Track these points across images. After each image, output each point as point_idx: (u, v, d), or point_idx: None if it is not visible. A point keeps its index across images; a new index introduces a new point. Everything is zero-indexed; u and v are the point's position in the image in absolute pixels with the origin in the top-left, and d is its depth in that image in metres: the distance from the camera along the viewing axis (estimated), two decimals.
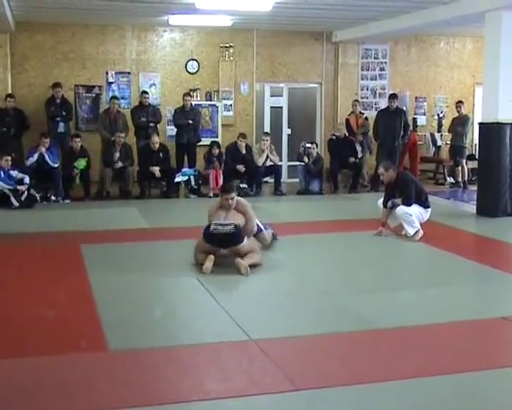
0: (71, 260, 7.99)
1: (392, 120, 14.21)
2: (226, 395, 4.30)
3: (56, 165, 12.71)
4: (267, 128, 15.91)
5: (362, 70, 16.49)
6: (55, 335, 5.44)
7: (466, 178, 15.07)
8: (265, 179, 14.65)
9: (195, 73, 15.46)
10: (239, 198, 7.92)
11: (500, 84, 10.86)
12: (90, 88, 14.91)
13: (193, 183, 13.45)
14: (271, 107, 16.38)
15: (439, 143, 16.59)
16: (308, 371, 4.73)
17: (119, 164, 13.00)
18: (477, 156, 12.89)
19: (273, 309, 6.23)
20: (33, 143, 12.92)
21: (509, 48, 10.80)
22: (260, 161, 13.84)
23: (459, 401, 4.33)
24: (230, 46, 15.54)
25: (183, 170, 13.70)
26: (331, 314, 6.06)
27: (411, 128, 15.37)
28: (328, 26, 15.35)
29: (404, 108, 15.41)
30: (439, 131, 16.77)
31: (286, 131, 16.40)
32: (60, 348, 5.13)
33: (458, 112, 15.20)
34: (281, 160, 15.30)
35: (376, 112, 15.26)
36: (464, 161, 15.14)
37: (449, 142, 15.84)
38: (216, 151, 13.71)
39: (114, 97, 14.23)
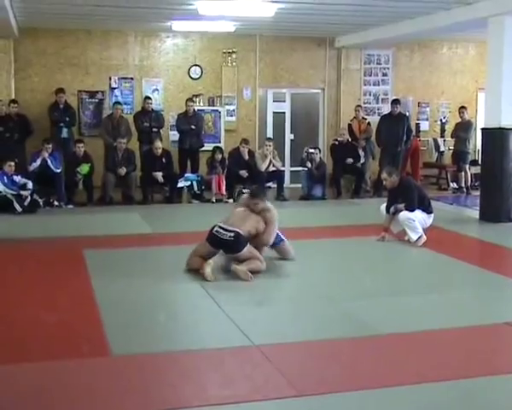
0: (74, 266, 8.00)
1: (395, 126, 14.21)
2: (229, 400, 4.29)
3: (59, 170, 12.72)
4: (270, 133, 15.93)
5: (364, 75, 16.50)
6: (58, 340, 5.44)
7: (469, 184, 15.06)
8: (268, 185, 14.63)
9: (198, 78, 15.48)
10: (269, 207, 7.84)
11: (503, 89, 10.86)
12: (93, 93, 14.94)
13: (196, 188, 13.46)
14: (274, 112, 16.40)
15: (442, 148, 16.59)
16: (311, 377, 4.72)
17: (124, 170, 13.00)
18: (480, 162, 12.89)
19: (276, 314, 6.22)
20: (36, 148, 12.94)
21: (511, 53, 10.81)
22: (263, 167, 13.84)
23: (462, 407, 4.32)
24: (233, 52, 15.57)
25: (186, 175, 13.72)
26: (334, 320, 6.05)
27: (414, 133, 15.37)
28: (330, 32, 15.37)
29: (407, 114, 15.41)
30: (441, 136, 16.77)
31: (289, 136, 16.41)
32: (62, 353, 5.13)
33: (461, 117, 15.19)
34: (283, 165, 15.31)
35: (379, 117, 15.26)
36: (467, 166, 15.12)
37: (452, 147, 15.84)
38: (219, 156, 13.72)
39: (117, 103, 14.26)
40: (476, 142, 15.92)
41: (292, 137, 16.42)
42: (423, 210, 9.26)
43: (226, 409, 4.20)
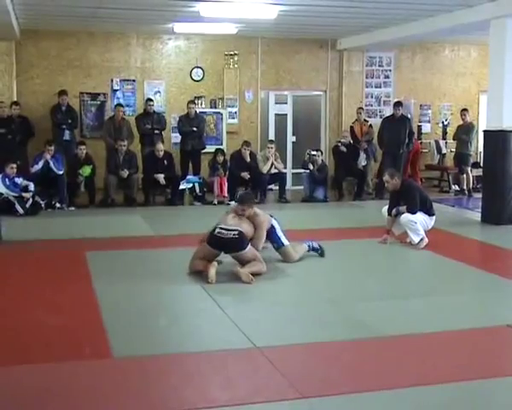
0: (76, 268, 8.00)
1: (397, 128, 14.20)
2: (231, 403, 4.29)
3: (61, 172, 12.73)
4: (272, 136, 15.93)
5: (366, 78, 16.49)
6: (60, 342, 5.44)
7: (471, 186, 15.05)
8: (270, 187, 14.66)
9: (200, 80, 15.48)
10: (258, 212, 7.87)
11: (505, 91, 10.87)
12: (95, 95, 14.94)
13: (197, 190, 13.46)
14: (276, 114, 16.39)
15: (444, 150, 16.58)
16: (313, 379, 4.72)
17: (126, 172, 13.01)
18: (482, 164, 12.88)
19: (278, 317, 6.22)
20: (38, 150, 12.95)
21: None
22: (265, 169, 13.84)
23: (464, 409, 4.33)
24: (235, 54, 15.57)
25: (188, 177, 13.72)
26: (336, 322, 6.05)
27: (416, 136, 15.36)
28: (332, 34, 15.37)
29: (409, 116, 15.40)
30: (443, 138, 16.76)
31: (290, 138, 16.41)
32: (64, 355, 5.13)
33: (463, 119, 15.18)
34: (285, 167, 15.32)
35: (381, 119, 15.27)
36: (469, 168, 15.11)
37: (454, 149, 15.82)
38: (220, 158, 13.73)
39: (119, 105, 14.27)
40: (478, 144, 15.94)
41: (294, 139, 16.42)
42: (425, 212, 9.26)
43: None
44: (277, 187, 14.37)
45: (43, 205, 12.23)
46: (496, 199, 11.08)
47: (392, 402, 4.36)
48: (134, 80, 15.15)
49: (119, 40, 14.99)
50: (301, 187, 14.53)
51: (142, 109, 14.54)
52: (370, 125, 15.32)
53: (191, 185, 13.53)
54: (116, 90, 15.04)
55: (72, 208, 12.60)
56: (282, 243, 8.10)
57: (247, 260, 7.43)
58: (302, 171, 14.37)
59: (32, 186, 12.01)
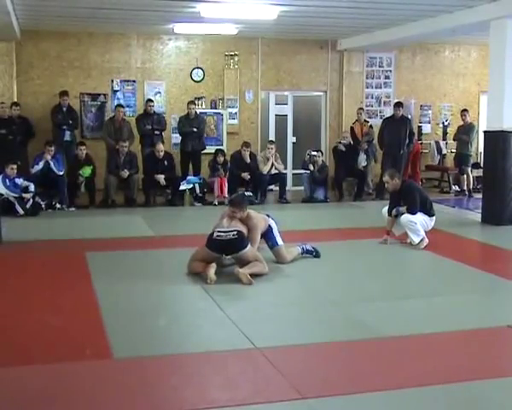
0: (76, 268, 8.00)
1: (398, 129, 14.20)
2: (231, 403, 4.29)
3: (61, 173, 12.73)
4: (272, 136, 15.93)
5: (367, 78, 16.50)
6: (60, 342, 5.44)
7: (471, 187, 15.05)
8: (270, 187, 14.67)
9: (200, 81, 15.49)
10: (252, 215, 7.87)
11: (505, 92, 10.87)
12: (95, 96, 14.95)
13: (198, 191, 13.46)
14: (276, 115, 16.40)
15: (444, 151, 16.59)
16: (313, 380, 4.72)
17: (126, 173, 13.01)
18: (482, 164, 12.87)
19: (278, 317, 6.21)
20: (38, 151, 12.94)
21: None
22: (265, 169, 13.84)
23: None
24: (235, 54, 15.58)
25: (188, 178, 13.72)
26: (336, 322, 6.05)
27: (416, 136, 15.36)
28: (332, 35, 15.38)
29: (410, 117, 15.41)
30: (444, 139, 16.77)
31: (291, 139, 16.41)
32: (64, 356, 5.13)
33: (463, 120, 15.18)
34: (285, 168, 15.33)
35: (381, 120, 15.27)
36: (469, 169, 15.11)
37: (454, 150, 15.83)
38: (221, 159, 13.73)
39: (119, 105, 14.26)
40: (478, 144, 15.95)
41: (294, 139, 16.42)
42: (425, 213, 9.27)
43: None
44: (277, 188, 14.37)
45: (43, 206, 12.24)
46: (496, 200, 11.08)
47: (393, 403, 4.35)
48: (134, 81, 15.15)
49: (120, 41, 14.99)
50: (301, 187, 14.53)
51: (142, 110, 14.54)
52: (371, 126, 15.32)
53: (191, 186, 13.52)
54: (116, 91, 15.04)
55: (73, 209, 12.60)
56: (277, 243, 8.12)
57: (248, 260, 7.43)
58: (302, 171, 14.37)
59: (32, 187, 12.00)
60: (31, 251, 9.01)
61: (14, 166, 11.93)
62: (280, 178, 14.18)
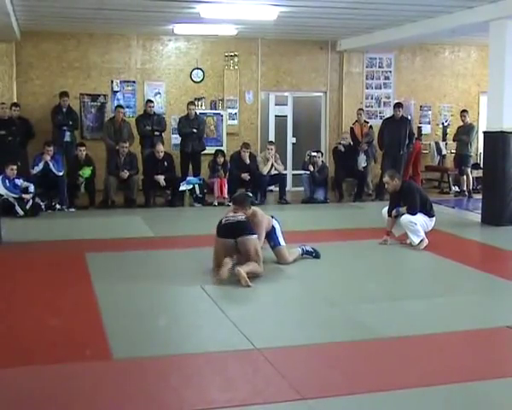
0: (76, 269, 8.00)
1: (398, 129, 14.20)
2: (230, 404, 4.29)
3: (61, 173, 12.73)
4: (272, 137, 15.93)
5: (366, 79, 16.49)
6: (60, 343, 5.44)
7: (471, 187, 15.05)
8: (270, 188, 14.67)
9: (200, 81, 15.49)
10: (257, 212, 7.94)
11: (505, 92, 10.87)
12: (95, 97, 14.95)
13: (198, 191, 13.46)
14: (276, 116, 16.41)
15: (444, 151, 16.59)
16: (313, 381, 4.72)
17: (126, 174, 13.00)
18: (482, 165, 12.85)
19: (278, 318, 6.21)
20: (38, 151, 12.94)
21: None
22: (265, 170, 13.84)
23: None
24: (235, 55, 15.58)
25: (188, 178, 13.71)
26: (336, 323, 6.05)
27: (416, 136, 15.35)
28: (332, 35, 15.38)
29: (409, 117, 15.41)
30: (443, 139, 16.77)
31: (291, 139, 16.42)
32: (64, 357, 5.13)
33: (463, 121, 15.18)
34: (285, 168, 15.33)
35: (381, 121, 15.27)
36: (469, 169, 15.11)
37: (454, 150, 15.83)
38: (221, 160, 13.72)
39: (119, 106, 14.26)
40: (478, 145, 15.94)
41: (294, 140, 16.42)
42: (425, 213, 9.26)
43: None
44: (277, 188, 14.37)
45: (43, 206, 12.23)
46: (496, 200, 11.08)
47: (393, 403, 4.35)
48: (134, 82, 15.16)
49: (119, 41, 15.00)
50: (301, 188, 14.53)
51: (142, 111, 14.54)
52: (370, 127, 15.31)
53: (191, 187, 13.51)
54: (116, 92, 15.04)
55: (73, 210, 12.59)
56: (279, 243, 8.14)
57: (250, 252, 7.41)
58: (302, 172, 14.36)
59: (32, 187, 12.00)
60: (30, 252, 9.02)
61: (14, 167, 11.93)
62: (280, 179, 14.18)
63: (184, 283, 7.33)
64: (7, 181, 11.75)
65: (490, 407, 4.38)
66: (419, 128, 16.46)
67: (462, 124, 15.28)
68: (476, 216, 11.91)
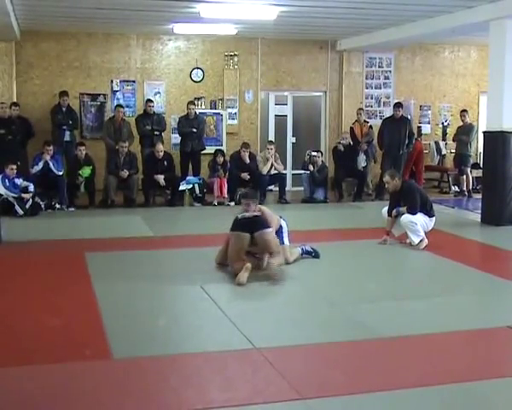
0: (75, 268, 7.99)
1: (398, 129, 14.20)
2: (230, 403, 4.29)
3: (61, 173, 12.73)
4: (272, 136, 15.92)
5: (366, 79, 16.49)
6: (60, 343, 5.44)
7: (471, 187, 15.05)
8: (270, 188, 14.66)
9: (200, 81, 15.49)
10: (265, 210, 8.01)
11: (505, 92, 10.87)
12: (94, 96, 14.95)
13: (197, 191, 13.45)
14: (276, 115, 16.40)
15: (444, 151, 16.59)
16: (313, 380, 4.72)
17: (126, 173, 13.00)
18: (482, 165, 12.85)
19: (278, 318, 6.21)
20: (38, 151, 12.93)
21: None
22: (265, 170, 13.84)
23: None
24: (235, 55, 15.57)
25: (188, 178, 13.71)
26: (336, 323, 6.05)
27: (416, 136, 15.35)
28: (332, 35, 15.38)
29: (409, 117, 15.41)
30: (443, 139, 16.78)
31: (290, 139, 16.41)
32: (64, 356, 5.12)
33: (463, 120, 15.18)
34: (285, 168, 15.32)
35: (381, 120, 15.27)
36: (469, 169, 15.11)
37: (453, 150, 15.84)
38: (220, 159, 13.72)
39: (119, 106, 14.26)
40: (478, 145, 15.94)
41: (294, 140, 16.42)
42: (425, 213, 9.26)
43: None
44: (277, 188, 14.36)
45: (42, 206, 12.23)
46: (496, 200, 11.08)
47: (393, 403, 4.35)
48: (134, 81, 15.16)
49: (119, 41, 14.99)
50: (301, 188, 14.52)
51: (141, 110, 14.54)
52: (370, 126, 15.32)
53: (191, 186, 13.51)
54: (116, 91, 15.04)
55: (72, 209, 12.59)
56: (283, 242, 8.16)
57: (271, 244, 7.52)
58: (302, 172, 14.37)
59: (31, 187, 12.00)
60: (30, 251, 9.01)
61: (14, 167, 11.93)
62: (279, 179, 14.18)
63: (184, 283, 7.32)
64: (6, 180, 11.75)
65: (489, 407, 4.38)
66: (419, 128, 16.46)
67: (461, 124, 15.28)
68: (476, 216, 11.91)
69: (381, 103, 16.58)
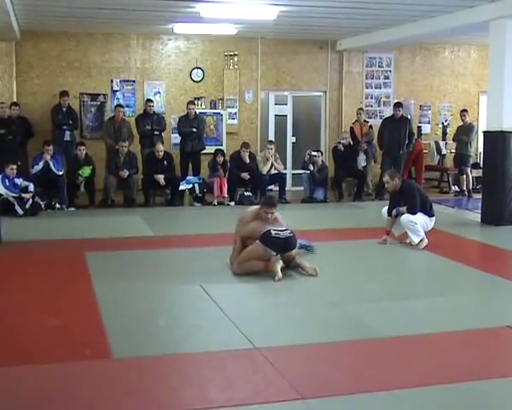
0: (75, 268, 8.00)
1: (398, 129, 14.20)
2: (230, 403, 4.29)
3: (61, 173, 12.73)
4: (272, 136, 15.92)
5: (366, 78, 16.49)
6: (60, 342, 5.44)
7: (470, 187, 15.05)
8: (270, 187, 14.64)
9: (200, 81, 15.49)
10: (278, 215, 7.98)
11: (505, 92, 10.87)
12: (94, 96, 14.95)
13: (197, 191, 13.45)
14: (276, 115, 16.40)
15: (444, 151, 16.59)
16: (313, 380, 4.71)
17: (126, 173, 13.00)
18: (482, 165, 12.84)
19: (278, 317, 6.21)
20: (38, 151, 12.93)
21: None
22: (265, 170, 13.84)
23: None
24: (235, 54, 15.57)
25: (188, 178, 13.70)
26: (336, 323, 6.05)
27: (416, 136, 15.35)
28: (332, 35, 15.38)
29: (409, 117, 15.41)
30: (443, 139, 16.77)
31: (290, 139, 16.41)
32: (64, 356, 5.13)
33: (463, 120, 15.18)
34: (285, 168, 15.32)
35: (381, 120, 15.27)
36: (469, 169, 15.10)
37: (453, 150, 15.83)
38: (220, 159, 13.72)
39: (119, 105, 14.26)
40: (478, 145, 15.94)
41: (294, 139, 16.42)
42: (425, 213, 9.26)
43: None
44: (277, 188, 14.35)
45: (42, 206, 12.23)
46: (496, 200, 11.08)
47: (392, 403, 4.35)
48: (134, 81, 15.16)
49: (119, 41, 14.99)
50: (301, 188, 14.52)
51: (141, 110, 14.54)
52: (370, 126, 15.32)
53: (191, 186, 13.50)
54: (116, 91, 15.04)
55: (72, 209, 12.59)
56: None
57: (293, 256, 7.65)
58: (302, 171, 14.36)
59: (31, 187, 12.00)
60: (30, 251, 9.01)
61: (14, 167, 11.92)
62: (279, 179, 14.18)
63: (184, 282, 7.33)
64: (6, 180, 11.74)
65: (490, 407, 4.38)
66: (419, 128, 16.45)
67: (461, 123, 15.27)
68: (476, 216, 11.91)
69: (381, 103, 16.59)
